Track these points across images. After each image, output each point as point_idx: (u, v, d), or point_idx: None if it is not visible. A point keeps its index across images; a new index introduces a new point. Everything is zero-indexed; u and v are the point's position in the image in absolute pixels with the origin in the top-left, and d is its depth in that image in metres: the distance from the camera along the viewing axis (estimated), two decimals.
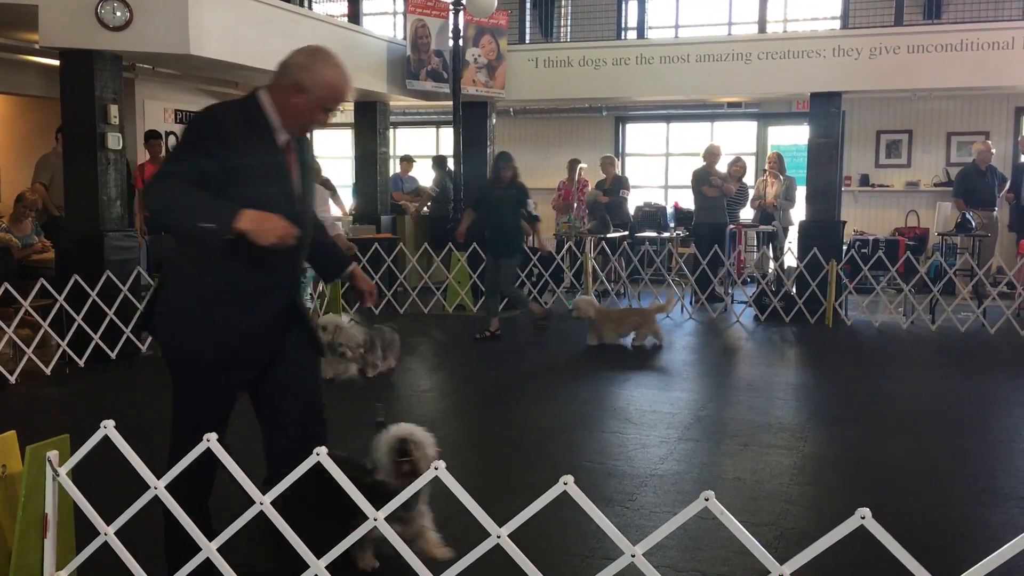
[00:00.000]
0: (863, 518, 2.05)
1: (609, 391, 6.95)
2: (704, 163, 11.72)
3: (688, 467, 5.05)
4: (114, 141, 8.17)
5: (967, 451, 5.34)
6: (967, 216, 10.99)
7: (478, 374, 7.75)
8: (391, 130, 13.39)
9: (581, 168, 13.11)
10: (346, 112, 14.27)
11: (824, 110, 10.88)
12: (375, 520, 2.49)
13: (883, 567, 2.59)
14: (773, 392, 6.98)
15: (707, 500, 2.14)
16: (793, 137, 14.07)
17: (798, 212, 12.09)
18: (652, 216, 13.52)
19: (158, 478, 2.63)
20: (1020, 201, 11.56)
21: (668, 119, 15.16)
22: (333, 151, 16.19)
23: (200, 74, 10.88)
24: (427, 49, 11.53)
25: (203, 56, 8.27)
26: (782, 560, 2.15)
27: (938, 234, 11.61)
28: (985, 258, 10.87)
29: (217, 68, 9.52)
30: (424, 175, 14.27)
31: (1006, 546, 1.99)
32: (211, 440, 2.55)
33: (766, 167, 12.48)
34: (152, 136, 10.93)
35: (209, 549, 2.58)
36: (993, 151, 11.78)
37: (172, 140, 12.22)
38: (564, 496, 2.28)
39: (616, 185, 12.73)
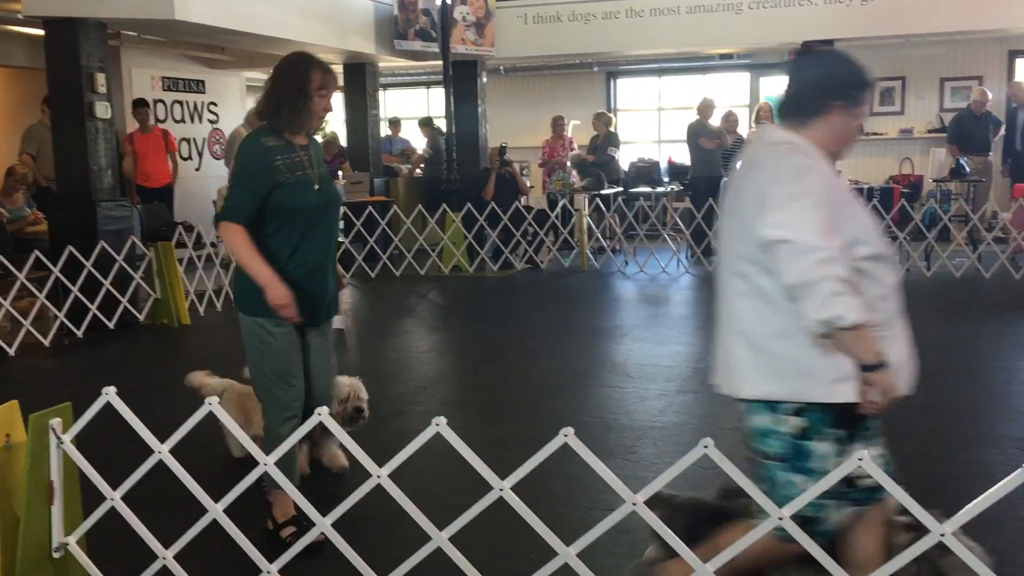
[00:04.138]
0: (860, 459, 2.08)
1: (607, 347, 6.98)
2: (698, 117, 11.66)
3: (687, 418, 5.10)
4: (102, 110, 8.10)
5: (964, 394, 5.38)
6: (961, 162, 10.97)
7: (476, 334, 7.77)
8: (381, 92, 13.27)
9: (574, 125, 13.04)
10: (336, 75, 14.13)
11: None
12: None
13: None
14: None
15: (706, 448, 2.17)
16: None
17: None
18: (646, 172, 13.46)
19: (162, 442, 2.65)
20: (1015, 146, 11.52)
21: (660, 73, 15.04)
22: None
23: (186, 40, 10.75)
24: (415, 8, 11.40)
25: (188, 21, 8.17)
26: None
27: (932, 181, 11.59)
28: (980, 203, 10.85)
29: (203, 33, 9.41)
30: (415, 137, 14.19)
31: (1000, 483, 2.02)
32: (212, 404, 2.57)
33: (756, 119, 12.42)
34: (140, 104, 10.83)
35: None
36: (990, 96, 11.72)
37: (160, 108, 12.13)
38: (565, 450, 2.30)
39: (606, 142, 12.68)
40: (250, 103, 13.64)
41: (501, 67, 14.48)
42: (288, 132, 3.43)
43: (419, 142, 13.89)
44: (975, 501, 2.06)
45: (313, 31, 10.08)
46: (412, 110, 15.91)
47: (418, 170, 13.42)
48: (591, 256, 11.15)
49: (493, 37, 11.95)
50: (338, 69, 12.98)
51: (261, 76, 15.05)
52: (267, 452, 3.30)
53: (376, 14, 11.28)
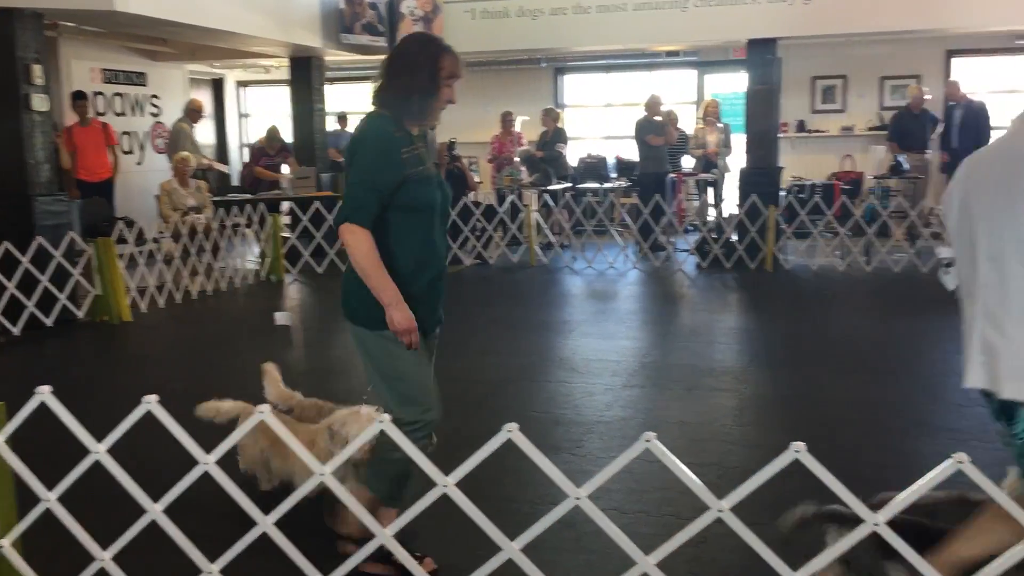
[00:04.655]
0: (797, 452, 2.11)
1: (554, 342, 7.01)
2: (646, 113, 11.77)
3: (634, 413, 5.14)
4: (39, 102, 7.90)
5: (900, 387, 5.51)
6: (899, 159, 11.22)
7: None
8: (328, 86, 13.13)
9: (523, 120, 13.05)
10: (280, 69, 13.99)
11: (760, 57, 10.95)
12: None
13: (819, 499, 2.67)
14: (715, 337, 7.11)
15: (648, 442, 2.19)
16: (732, 85, 14.15)
17: (735, 159, 12.23)
18: (594, 167, 13.55)
19: (99, 442, 2.60)
20: (952, 143, 11.81)
21: (608, 69, 15.12)
22: (269, 109, 15.87)
23: (127, 31, 10.53)
24: (361, 2, 11.31)
25: (128, 12, 7.99)
26: (722, 497, 2.21)
27: (873, 177, 11.84)
28: (918, 200, 11.11)
29: (144, 24, 9.22)
30: None
31: (928, 475, 2.07)
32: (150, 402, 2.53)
33: (703, 115, 12.57)
34: (79, 97, 10.59)
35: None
36: (929, 96, 11.99)
37: (100, 101, 11.88)
38: (510, 445, 2.30)
39: (555, 138, 12.73)
40: (193, 96, 13.42)
41: None
42: (408, 122, 3.08)
43: None
44: (905, 491, 2.11)
45: (257, 23, 9.94)
46: (360, 105, 15.77)
47: None
48: (539, 252, 11.19)
49: (441, 32, 11.91)
50: (283, 63, 12.84)
51: (204, 69, 14.83)
52: (376, 477, 3.21)
53: (322, 7, 11.17)
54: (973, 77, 12.99)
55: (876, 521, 2.07)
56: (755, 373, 5.96)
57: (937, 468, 2.02)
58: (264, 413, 2.47)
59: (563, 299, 8.99)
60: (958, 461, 1.98)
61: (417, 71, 3.01)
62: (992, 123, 11.53)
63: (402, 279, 3.01)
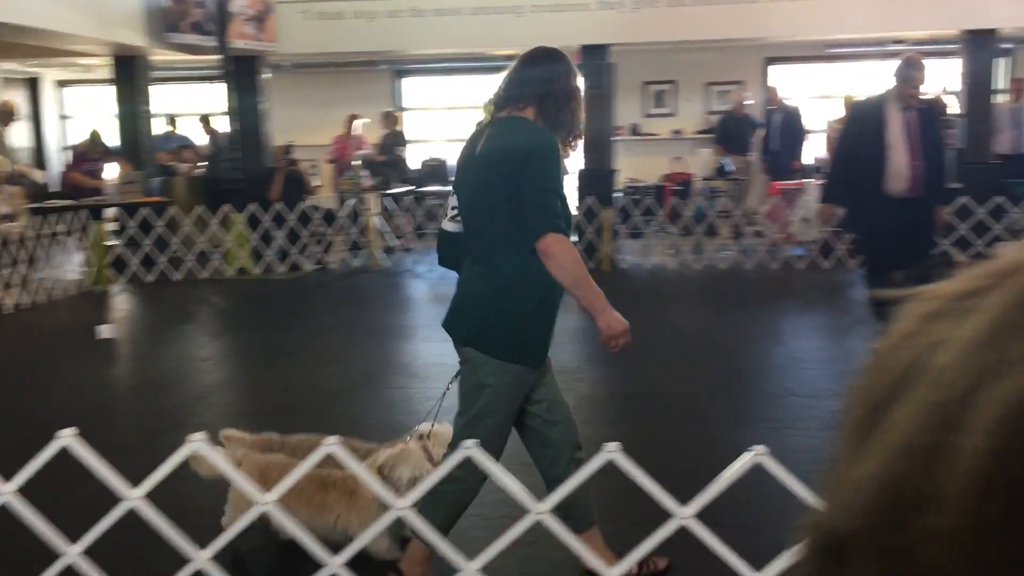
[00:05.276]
0: (611, 452, 2.18)
1: (395, 347, 6.97)
2: (486, 116, 11.87)
3: None
4: None
5: (726, 379, 5.79)
6: (723, 162, 11.79)
7: (262, 338, 7.54)
8: (154, 86, 12.57)
9: (364, 123, 12.91)
10: (104, 68, 13.28)
11: (594, 62, 11.26)
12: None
13: (640, 499, 2.77)
14: (556, 337, 7.24)
15: (467, 449, 2.21)
16: None
17: (572, 162, 12.51)
18: (437, 170, 13.57)
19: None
20: (770, 146, 12.50)
21: (449, 72, 15.17)
22: (92, 110, 15.03)
23: None
24: (187, 0, 10.88)
25: None
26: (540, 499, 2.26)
27: (701, 179, 12.38)
28: (742, 200, 11.70)
29: None
30: (194, 133, 13.55)
31: (731, 468, 2.18)
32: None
33: None
34: None
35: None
36: (751, 101, 12.64)
37: None
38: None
39: (395, 141, 12.67)
40: (5, 96, 12.54)
41: (289, 63, 14.10)
42: (557, 133, 2.98)
43: (201, 139, 13.28)
44: (712, 485, 2.22)
45: (72, 21, 9.39)
46: (192, 106, 15.18)
47: (197, 168, 12.83)
48: (382, 255, 11.09)
49: (274, 32, 11.62)
50: (105, 62, 12.20)
51: (17, 68, 13.90)
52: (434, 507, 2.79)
53: (146, 5, 10.66)
54: (790, 83, 13.81)
55: (683, 515, 2.16)
56: (591, 371, 6.12)
57: (736, 464, 2.13)
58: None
59: (405, 303, 8.95)
60: (757, 454, 2.10)
61: (571, 86, 2.94)
62: (807, 127, 12.28)
63: (551, 291, 2.92)
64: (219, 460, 2.41)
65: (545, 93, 2.96)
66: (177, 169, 12.56)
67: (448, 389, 3.13)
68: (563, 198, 2.87)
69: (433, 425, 3.40)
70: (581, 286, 2.86)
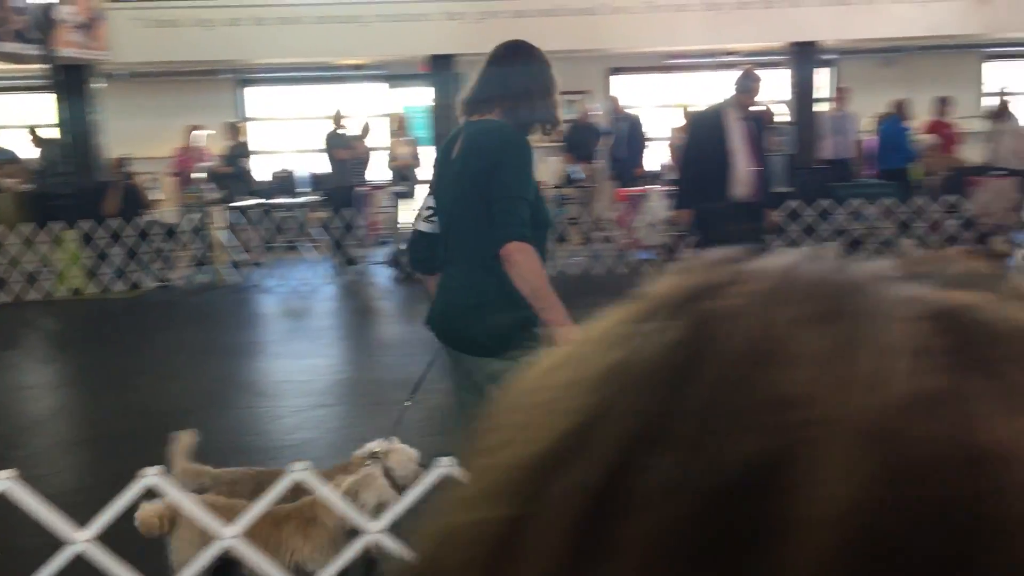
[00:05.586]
0: (447, 467, 2.18)
1: (241, 365, 6.77)
2: (334, 126, 11.70)
3: (321, 433, 5.08)
4: None
5: None
6: (569, 170, 12.06)
7: (98, 362, 7.16)
8: None
9: (208, 135, 12.48)
10: None
11: (442, 72, 11.29)
12: None
13: None
14: (410, 348, 7.17)
15: (295, 471, 2.16)
16: (423, 98, 14.45)
17: (424, 172, 12.52)
18: (285, 182, 13.26)
19: None
20: (616, 153, 12.86)
21: (295, 82, 14.87)
22: None
23: None
24: (6, 6, 10.23)
25: None
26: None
27: (552, 187, 12.59)
28: (590, 206, 11.98)
29: None
30: (19, 146, 12.75)
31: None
32: None
33: (396, 128, 12.75)
34: None
35: None
36: (599, 111, 12.96)
37: None
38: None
39: (238, 152, 12.31)
40: None
41: (124, 72, 13.47)
42: (531, 129, 2.90)
43: (30, 153, 12.50)
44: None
45: None
46: (17, 118, 14.27)
47: (24, 184, 12.07)
48: (229, 270, 10.74)
49: (105, 40, 11.08)
50: None
51: None
52: None
53: None
54: (632, 93, 14.26)
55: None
56: (443, 384, 6.11)
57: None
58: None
59: (253, 319, 8.71)
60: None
61: (547, 80, 2.89)
62: (648, 135, 12.71)
63: (525, 304, 2.78)
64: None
65: (515, 92, 2.92)
66: (1, 185, 11.79)
67: (427, 374, 3.29)
68: (536, 203, 2.82)
69: (390, 442, 3.32)
70: (540, 297, 2.79)
